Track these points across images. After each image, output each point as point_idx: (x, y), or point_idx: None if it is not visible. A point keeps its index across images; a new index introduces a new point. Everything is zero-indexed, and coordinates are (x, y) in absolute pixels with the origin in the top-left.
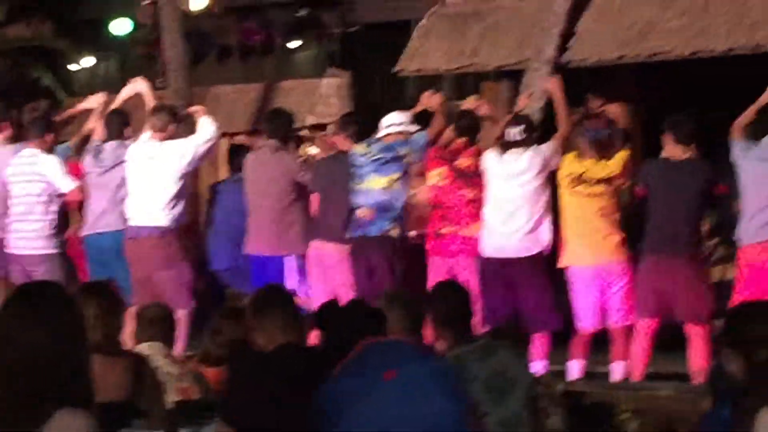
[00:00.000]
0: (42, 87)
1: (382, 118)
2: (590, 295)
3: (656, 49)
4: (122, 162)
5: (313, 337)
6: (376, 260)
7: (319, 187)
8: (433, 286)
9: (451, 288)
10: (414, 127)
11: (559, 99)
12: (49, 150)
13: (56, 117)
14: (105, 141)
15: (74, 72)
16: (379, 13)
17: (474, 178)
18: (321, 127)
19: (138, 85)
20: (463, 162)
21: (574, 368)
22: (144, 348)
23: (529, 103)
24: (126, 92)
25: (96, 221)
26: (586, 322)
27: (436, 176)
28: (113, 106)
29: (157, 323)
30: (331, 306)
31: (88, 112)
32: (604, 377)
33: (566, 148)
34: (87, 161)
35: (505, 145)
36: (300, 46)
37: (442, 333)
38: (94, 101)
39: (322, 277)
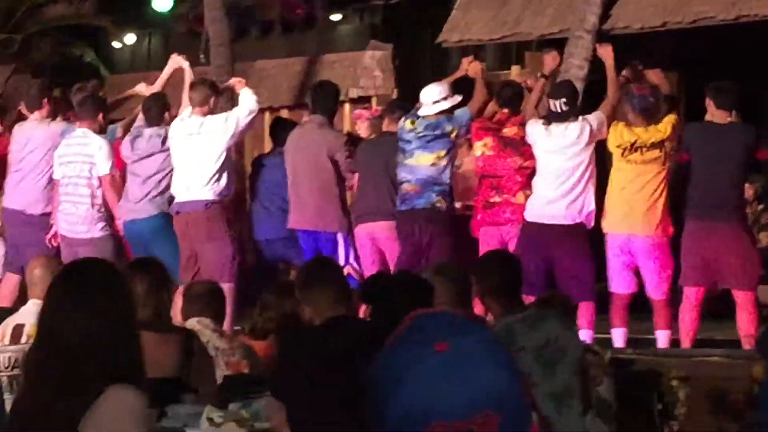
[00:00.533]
0: (85, 64)
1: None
2: (621, 262)
3: (699, 15)
4: (156, 152)
5: (362, 311)
6: (423, 232)
7: (362, 167)
8: (482, 255)
9: (501, 257)
10: (455, 98)
11: (610, 66)
12: (101, 130)
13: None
14: (145, 126)
15: (116, 49)
16: None
17: (522, 146)
18: (365, 99)
19: (178, 60)
20: (510, 131)
21: (618, 336)
22: (193, 323)
23: (570, 72)
24: (167, 70)
25: (131, 208)
26: (617, 286)
27: (482, 146)
28: (155, 88)
29: (205, 298)
30: (378, 279)
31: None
32: (653, 344)
33: (613, 116)
34: (124, 148)
35: (550, 117)
36: (342, 19)
37: (490, 303)
38: (141, 88)
39: (374, 259)
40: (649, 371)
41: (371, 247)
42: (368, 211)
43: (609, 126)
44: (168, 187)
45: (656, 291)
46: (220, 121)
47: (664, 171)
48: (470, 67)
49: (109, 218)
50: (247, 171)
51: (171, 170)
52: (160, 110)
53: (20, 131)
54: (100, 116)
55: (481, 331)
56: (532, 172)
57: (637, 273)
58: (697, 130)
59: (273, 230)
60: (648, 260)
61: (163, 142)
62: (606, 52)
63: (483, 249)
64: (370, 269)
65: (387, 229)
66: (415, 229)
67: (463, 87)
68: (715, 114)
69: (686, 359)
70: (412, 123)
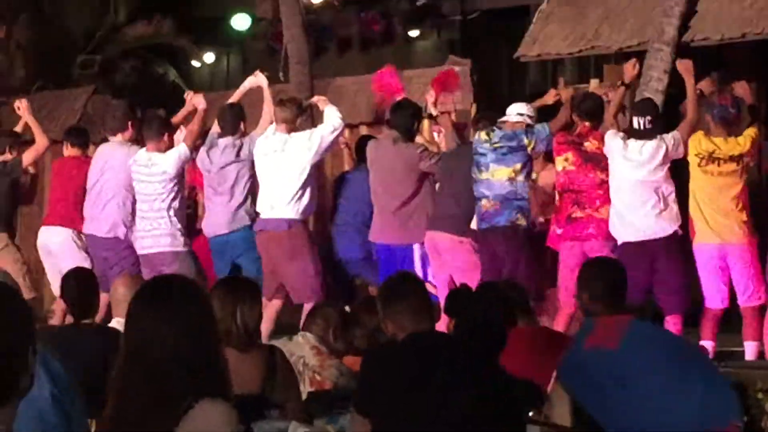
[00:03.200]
0: (168, 83)
1: (504, 105)
2: (715, 273)
3: None
4: (230, 163)
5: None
6: (505, 250)
7: (442, 177)
8: (587, 262)
9: (605, 262)
10: (533, 118)
11: (689, 83)
12: (166, 150)
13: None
14: (220, 136)
15: (196, 68)
16: (498, 0)
17: (603, 160)
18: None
19: (258, 79)
20: (591, 145)
21: (706, 348)
22: (298, 337)
23: (649, 85)
24: (246, 85)
25: (214, 222)
26: (711, 301)
27: (563, 161)
28: (231, 100)
29: (320, 318)
30: (460, 293)
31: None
32: (739, 357)
33: (691, 135)
34: (200, 159)
35: (631, 132)
36: (420, 34)
37: (595, 308)
38: (197, 101)
39: (440, 265)
40: (735, 384)
41: (435, 254)
42: (437, 219)
43: (686, 145)
44: (248, 199)
45: (751, 298)
46: (304, 138)
47: (741, 184)
48: (562, 91)
49: (188, 234)
50: (326, 187)
51: (249, 181)
52: (236, 120)
53: (100, 153)
54: (165, 136)
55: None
56: None
57: (731, 284)
58: None
59: (351, 250)
60: (743, 267)
61: (238, 153)
62: (686, 69)
63: (564, 264)
64: (436, 275)
65: (449, 241)
66: (497, 248)
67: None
68: None
69: None
70: (488, 134)
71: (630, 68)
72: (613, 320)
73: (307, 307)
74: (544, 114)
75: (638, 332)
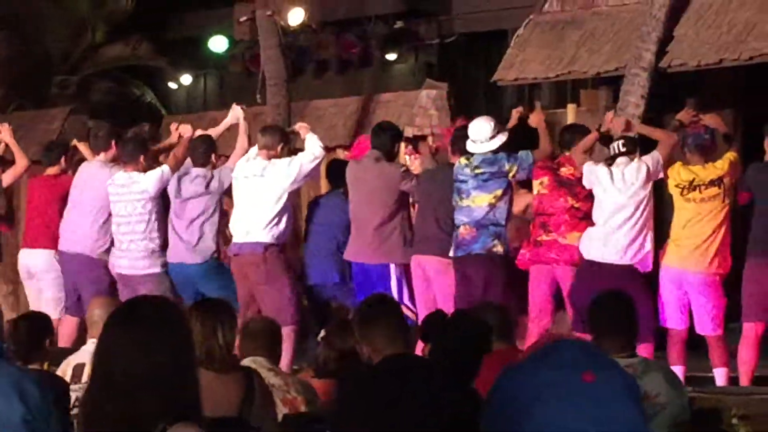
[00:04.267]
0: (144, 104)
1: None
2: (675, 296)
3: (756, 52)
4: (198, 195)
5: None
6: (480, 277)
7: (422, 198)
8: (597, 296)
9: (613, 298)
10: (505, 133)
11: (649, 130)
12: (144, 171)
13: (151, 144)
14: (193, 166)
15: (172, 90)
16: (476, 24)
17: (576, 186)
18: (420, 138)
19: (235, 112)
20: (567, 170)
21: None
22: (248, 363)
23: (626, 110)
24: (228, 121)
25: (178, 251)
26: (671, 321)
27: (539, 185)
28: (214, 134)
29: (261, 337)
30: (436, 318)
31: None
32: (711, 382)
33: (669, 157)
34: (171, 185)
35: (610, 158)
36: (397, 57)
37: (601, 342)
38: (184, 130)
39: (425, 288)
40: (711, 409)
41: (422, 277)
42: (422, 242)
43: (665, 167)
44: (214, 230)
45: (704, 327)
46: (284, 165)
47: (725, 207)
48: (532, 116)
49: (164, 253)
50: (302, 211)
51: (214, 213)
52: (207, 151)
53: (81, 172)
54: (142, 158)
55: (619, 367)
56: (584, 216)
57: (688, 309)
58: (758, 170)
59: (326, 275)
60: (700, 296)
61: (207, 185)
62: (617, 125)
63: (533, 287)
64: (421, 299)
65: (437, 264)
66: (472, 274)
67: (518, 130)
68: None
69: (746, 397)
70: (468, 159)
71: (610, 119)
72: None
73: (285, 330)
74: (522, 136)
75: None
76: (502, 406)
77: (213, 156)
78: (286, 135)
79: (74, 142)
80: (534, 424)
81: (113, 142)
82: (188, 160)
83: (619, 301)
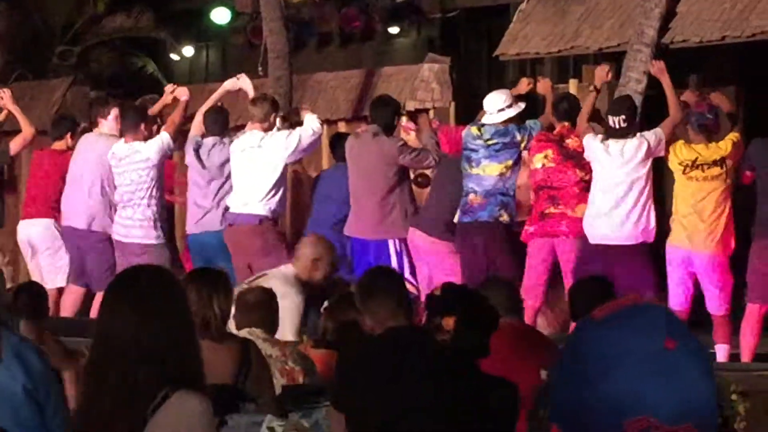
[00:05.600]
0: (146, 76)
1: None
2: (680, 276)
3: (758, 29)
4: (225, 162)
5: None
6: (485, 245)
7: (435, 177)
8: (579, 280)
9: (595, 281)
10: (519, 105)
11: (666, 84)
12: (144, 140)
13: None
14: (204, 137)
15: (175, 61)
16: None
17: (583, 159)
18: (422, 112)
19: (241, 82)
20: (573, 142)
21: None
22: (244, 334)
23: (628, 86)
24: (226, 86)
25: (199, 220)
26: (674, 301)
27: (543, 158)
28: (210, 103)
29: (258, 308)
30: (455, 289)
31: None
32: (712, 359)
33: (673, 134)
34: (189, 158)
35: (609, 133)
36: (400, 31)
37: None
38: (180, 92)
39: (419, 262)
40: None
41: (414, 253)
42: (420, 218)
43: (668, 144)
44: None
45: (715, 307)
46: (282, 137)
47: (727, 187)
48: (540, 85)
49: (164, 227)
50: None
51: (228, 180)
52: (222, 122)
53: (80, 144)
54: (142, 126)
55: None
56: (590, 188)
57: (696, 288)
58: (761, 147)
59: None
60: (708, 277)
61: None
62: (660, 70)
63: (530, 261)
64: (419, 269)
65: (425, 243)
66: (478, 242)
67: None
68: None
69: (746, 373)
70: (479, 130)
71: (601, 72)
72: None
73: None
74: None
75: None
76: (580, 360)
77: (227, 126)
78: (277, 105)
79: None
80: (611, 385)
81: (143, 126)
82: (191, 134)
83: (598, 284)
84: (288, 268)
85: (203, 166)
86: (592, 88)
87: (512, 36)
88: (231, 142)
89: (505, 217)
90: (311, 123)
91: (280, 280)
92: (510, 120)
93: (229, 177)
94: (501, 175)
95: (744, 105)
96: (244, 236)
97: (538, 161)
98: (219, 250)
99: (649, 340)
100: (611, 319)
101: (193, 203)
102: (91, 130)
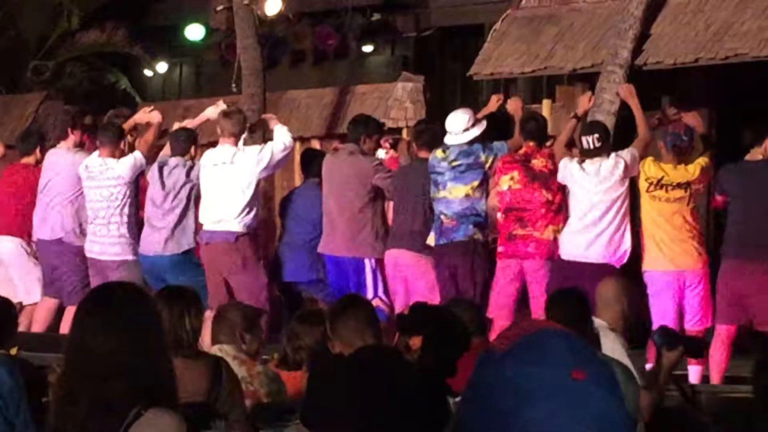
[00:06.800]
0: (119, 91)
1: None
2: (667, 299)
3: (732, 51)
4: (184, 184)
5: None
6: (459, 264)
7: (397, 194)
8: (553, 292)
9: (569, 294)
10: (482, 124)
11: (634, 105)
12: (120, 156)
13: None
14: (171, 156)
15: (148, 77)
16: (453, 17)
17: (550, 179)
18: (396, 131)
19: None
20: (538, 162)
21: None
22: (214, 350)
23: (602, 107)
24: (206, 114)
25: (151, 242)
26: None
27: (509, 180)
28: (192, 125)
29: (231, 325)
30: (421, 309)
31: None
32: (683, 379)
33: (646, 154)
34: (151, 174)
35: (583, 154)
36: (374, 50)
37: None
38: (153, 116)
39: (399, 282)
40: (679, 406)
41: (395, 272)
42: (396, 237)
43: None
44: (189, 220)
45: (699, 322)
46: (254, 152)
47: (689, 211)
48: (510, 102)
49: (137, 243)
50: (275, 202)
51: (190, 204)
52: (188, 141)
53: (48, 159)
54: (121, 143)
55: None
56: (559, 208)
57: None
58: (732, 171)
59: (299, 272)
60: (696, 292)
61: (188, 173)
62: (628, 93)
63: (498, 282)
64: (395, 293)
65: (410, 259)
66: (455, 261)
67: (490, 122)
68: (753, 153)
69: (716, 395)
70: (444, 152)
71: (584, 100)
72: None
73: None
74: (497, 129)
75: None
76: (484, 402)
77: (193, 148)
78: (245, 116)
79: None
80: (521, 425)
81: (70, 130)
82: (162, 153)
83: (573, 297)
84: None
85: (163, 186)
86: (572, 114)
87: (486, 55)
88: (194, 165)
89: (479, 236)
90: (282, 137)
91: None
92: (474, 140)
93: (188, 201)
94: (467, 196)
95: (717, 127)
96: (221, 254)
97: (504, 183)
98: (169, 269)
99: (556, 372)
100: (515, 352)
101: (148, 223)
102: (61, 142)
